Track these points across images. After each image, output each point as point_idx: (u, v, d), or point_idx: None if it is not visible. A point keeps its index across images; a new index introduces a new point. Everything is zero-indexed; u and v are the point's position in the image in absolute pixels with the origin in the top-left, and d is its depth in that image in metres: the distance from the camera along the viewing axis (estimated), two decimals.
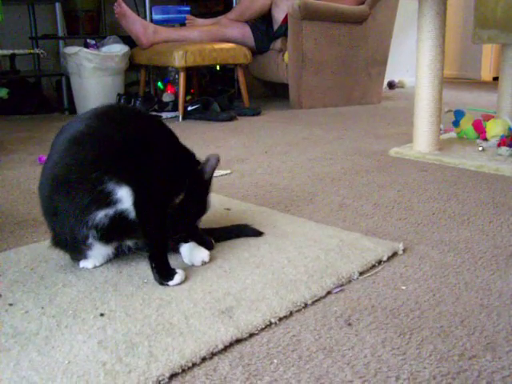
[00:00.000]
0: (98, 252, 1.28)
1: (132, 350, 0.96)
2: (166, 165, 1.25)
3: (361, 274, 1.27)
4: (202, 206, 1.35)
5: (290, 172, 2.22)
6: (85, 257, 1.29)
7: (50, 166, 1.24)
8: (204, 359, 0.94)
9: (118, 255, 1.33)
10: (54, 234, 1.28)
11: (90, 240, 1.24)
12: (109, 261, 1.32)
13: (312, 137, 2.96)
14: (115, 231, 1.26)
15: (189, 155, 1.34)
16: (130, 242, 1.31)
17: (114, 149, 1.20)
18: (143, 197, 1.21)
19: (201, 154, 1.38)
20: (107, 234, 1.24)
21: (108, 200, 1.19)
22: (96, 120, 1.23)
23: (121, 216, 1.22)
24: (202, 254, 1.32)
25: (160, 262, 1.22)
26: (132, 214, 1.21)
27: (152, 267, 1.21)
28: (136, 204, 1.20)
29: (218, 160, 1.32)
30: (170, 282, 1.20)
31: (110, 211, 1.21)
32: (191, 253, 1.32)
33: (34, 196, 1.89)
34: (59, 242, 1.28)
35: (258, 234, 1.48)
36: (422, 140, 2.42)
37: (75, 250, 1.28)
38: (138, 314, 1.08)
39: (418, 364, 0.92)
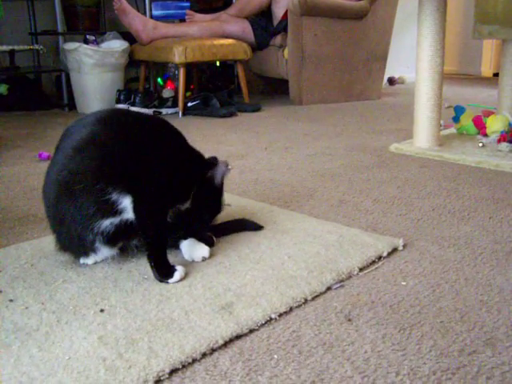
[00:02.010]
0: (104, 253, 1.29)
1: (132, 345, 0.96)
2: (169, 171, 1.24)
3: (361, 269, 1.27)
4: (216, 207, 1.38)
5: (290, 168, 2.22)
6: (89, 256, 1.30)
7: (55, 171, 1.23)
8: (204, 355, 0.94)
9: (125, 252, 1.33)
10: (59, 238, 1.28)
11: (97, 244, 1.25)
12: (109, 257, 1.32)
13: (312, 133, 2.96)
14: (121, 235, 1.26)
15: (197, 159, 1.34)
16: (135, 241, 1.32)
17: (116, 159, 1.20)
18: (142, 204, 1.21)
19: (201, 151, 1.39)
20: (113, 238, 1.25)
21: (113, 209, 1.20)
22: (99, 127, 1.22)
23: (126, 223, 1.23)
24: (203, 249, 1.32)
25: (159, 261, 1.22)
26: None
27: (151, 266, 1.22)
28: (135, 210, 1.21)
29: (228, 167, 1.35)
30: (170, 280, 1.20)
31: (116, 220, 1.22)
32: (191, 249, 1.32)
33: (34, 192, 1.89)
34: (64, 245, 1.28)
35: (257, 227, 1.49)
36: (422, 136, 2.42)
37: (81, 253, 1.28)
38: (138, 310, 1.08)
39: (418, 359, 0.93)
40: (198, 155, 1.36)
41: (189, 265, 1.28)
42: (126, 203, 1.20)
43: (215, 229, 1.44)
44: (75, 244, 1.25)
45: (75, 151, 1.20)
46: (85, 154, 1.19)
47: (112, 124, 1.25)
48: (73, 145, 1.21)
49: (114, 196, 1.19)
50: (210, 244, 1.37)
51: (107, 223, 1.22)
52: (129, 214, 1.22)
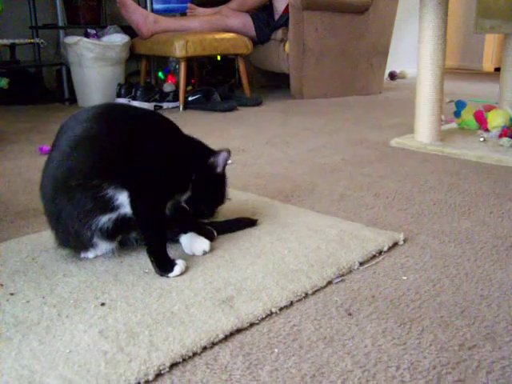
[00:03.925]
0: (103, 248, 1.29)
1: (133, 339, 0.96)
2: (164, 164, 1.24)
3: (361, 264, 1.27)
4: (219, 196, 1.37)
5: (291, 162, 2.22)
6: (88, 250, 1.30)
7: (52, 168, 1.23)
8: (205, 348, 0.94)
9: (124, 246, 1.33)
10: (57, 234, 1.28)
11: (95, 240, 1.25)
12: (109, 251, 1.32)
13: (313, 127, 2.96)
14: (120, 229, 1.26)
15: (196, 149, 1.34)
16: (134, 234, 1.32)
17: (110, 155, 1.20)
18: (139, 198, 1.21)
19: None
20: (112, 233, 1.25)
21: (110, 205, 1.20)
22: (94, 123, 1.22)
23: (124, 217, 1.23)
24: (203, 243, 1.32)
25: (159, 255, 1.22)
26: None
27: (151, 260, 1.22)
28: (132, 205, 1.21)
29: (229, 153, 1.35)
30: (170, 274, 1.20)
31: (113, 216, 1.22)
32: (192, 243, 1.32)
33: (34, 186, 1.88)
34: (63, 242, 1.28)
35: (251, 223, 1.48)
36: (424, 130, 2.41)
37: (80, 247, 1.28)
38: (139, 304, 1.08)
39: (418, 354, 0.93)
40: (196, 144, 1.35)
41: (189, 259, 1.28)
42: (123, 198, 1.20)
43: (212, 227, 1.44)
44: (73, 240, 1.25)
45: (71, 148, 1.20)
46: (80, 150, 1.19)
47: (106, 119, 1.25)
48: (68, 141, 1.21)
49: (110, 192, 1.19)
50: (211, 238, 1.37)
51: (105, 219, 1.22)
52: (126, 209, 1.22)
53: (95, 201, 1.19)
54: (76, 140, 1.20)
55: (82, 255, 1.30)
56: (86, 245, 1.26)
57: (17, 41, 3.71)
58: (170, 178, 1.25)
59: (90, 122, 1.22)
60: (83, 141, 1.20)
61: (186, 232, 1.35)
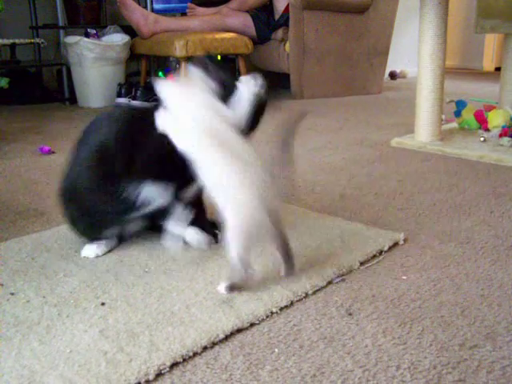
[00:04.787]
0: (129, 234, 1.38)
1: (133, 339, 0.96)
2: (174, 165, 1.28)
3: (362, 263, 1.27)
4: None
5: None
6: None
7: (82, 167, 1.28)
8: (205, 348, 0.94)
9: (126, 245, 1.36)
10: (80, 225, 1.34)
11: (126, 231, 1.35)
12: (110, 250, 1.33)
13: (313, 127, 2.96)
14: (147, 220, 1.34)
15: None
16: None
17: (134, 160, 1.26)
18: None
19: None
20: (141, 223, 1.35)
21: (139, 201, 1.26)
22: (117, 126, 1.30)
23: (153, 211, 1.29)
24: (205, 239, 1.33)
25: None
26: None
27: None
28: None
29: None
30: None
31: (145, 210, 1.28)
32: (193, 237, 1.33)
33: (35, 186, 1.89)
34: (84, 232, 1.35)
35: None
36: (424, 130, 2.41)
37: (104, 238, 1.34)
38: (139, 304, 1.08)
39: (419, 353, 0.93)
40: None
41: (189, 258, 1.28)
42: (151, 194, 1.26)
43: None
44: (104, 231, 1.33)
45: (96, 154, 1.26)
46: (105, 156, 1.25)
47: (127, 125, 1.31)
48: (91, 149, 1.27)
49: (137, 188, 1.25)
50: (215, 239, 1.37)
51: (137, 214, 1.29)
52: (155, 203, 1.27)
53: (125, 201, 1.25)
54: (98, 148, 1.26)
55: (83, 254, 1.30)
56: (118, 234, 1.35)
57: (17, 40, 3.71)
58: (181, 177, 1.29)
59: (112, 127, 1.30)
60: (111, 143, 1.26)
61: (190, 224, 1.35)
